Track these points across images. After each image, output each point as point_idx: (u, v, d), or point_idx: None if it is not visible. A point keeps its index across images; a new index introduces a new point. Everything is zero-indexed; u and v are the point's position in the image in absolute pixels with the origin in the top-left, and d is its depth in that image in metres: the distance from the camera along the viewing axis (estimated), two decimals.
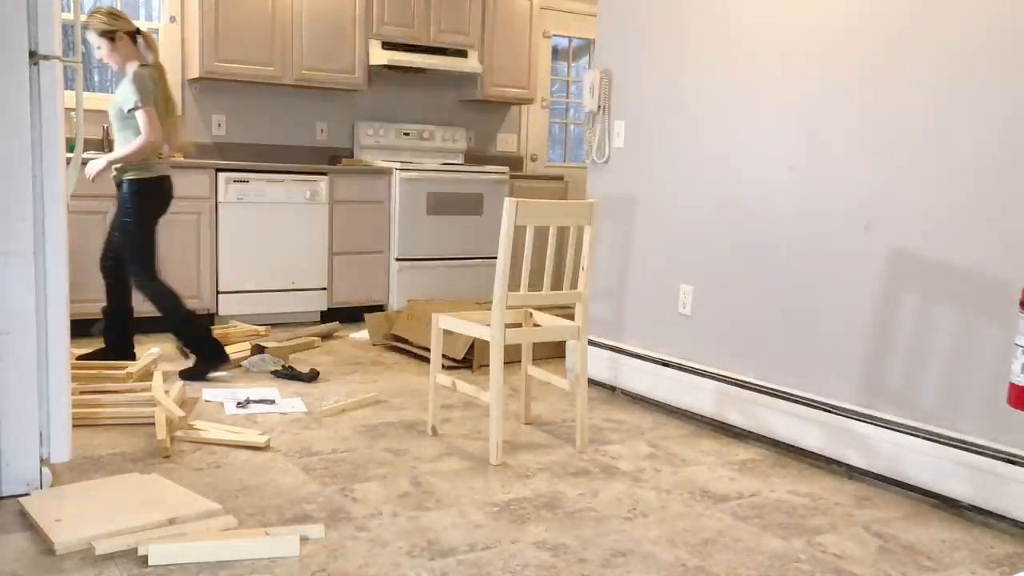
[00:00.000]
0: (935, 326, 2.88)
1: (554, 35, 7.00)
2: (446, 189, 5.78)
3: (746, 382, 3.49)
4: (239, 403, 3.63)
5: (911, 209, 2.95)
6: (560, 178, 6.40)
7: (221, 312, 5.15)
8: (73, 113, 2.78)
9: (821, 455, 3.20)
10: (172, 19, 5.44)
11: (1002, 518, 2.70)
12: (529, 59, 6.43)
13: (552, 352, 4.88)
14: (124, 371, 3.83)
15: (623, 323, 4.14)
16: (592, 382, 4.27)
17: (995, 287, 2.71)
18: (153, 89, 3.87)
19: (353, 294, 5.59)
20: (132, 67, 3.89)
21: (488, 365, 3.13)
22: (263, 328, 5.00)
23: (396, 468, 2.99)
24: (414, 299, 5.43)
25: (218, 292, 5.13)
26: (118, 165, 3.92)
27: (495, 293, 3.04)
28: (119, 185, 3.99)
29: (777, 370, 3.41)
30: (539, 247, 6.12)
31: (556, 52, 7.12)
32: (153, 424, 3.33)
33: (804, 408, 3.25)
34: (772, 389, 3.38)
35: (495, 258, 6.05)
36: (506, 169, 6.01)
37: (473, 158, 6.66)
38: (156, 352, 4.24)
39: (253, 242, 5.21)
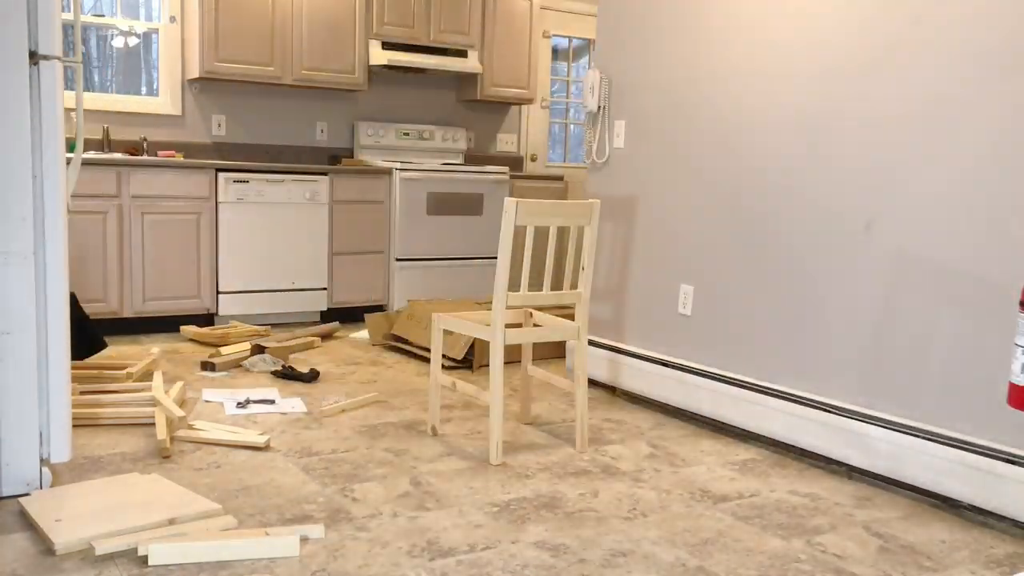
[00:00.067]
0: (935, 326, 2.88)
1: (554, 35, 7.01)
2: (446, 189, 5.78)
3: (746, 382, 3.49)
4: (239, 403, 3.63)
5: (911, 209, 2.95)
6: (560, 178, 6.40)
7: (221, 312, 5.15)
8: (73, 113, 2.78)
9: (821, 455, 3.20)
10: (172, 19, 5.44)
11: (1002, 518, 2.70)
12: (529, 59, 6.43)
13: (552, 352, 4.88)
14: (124, 371, 3.83)
15: (623, 323, 4.14)
16: (592, 382, 4.27)
17: (995, 287, 2.71)
18: None
19: (353, 294, 5.60)
20: None
21: (488, 365, 3.13)
22: (263, 328, 5.01)
23: (396, 468, 2.99)
24: (414, 299, 5.43)
25: (218, 292, 5.13)
26: None
27: (495, 293, 3.04)
28: None
29: (777, 370, 3.41)
30: (539, 247, 6.13)
31: (556, 52, 7.12)
32: (153, 424, 3.33)
33: (804, 408, 3.25)
34: (772, 389, 3.38)
35: (495, 258, 6.07)
36: (506, 169, 6.02)
37: (473, 158, 6.66)
38: (156, 352, 4.24)
39: (253, 242, 5.21)
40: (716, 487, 2.95)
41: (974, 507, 2.75)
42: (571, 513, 2.66)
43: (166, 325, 5.08)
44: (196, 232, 5.03)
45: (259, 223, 5.22)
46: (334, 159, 5.99)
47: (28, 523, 2.40)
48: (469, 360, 4.55)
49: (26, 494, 2.56)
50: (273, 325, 5.39)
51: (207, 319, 5.18)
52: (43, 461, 2.60)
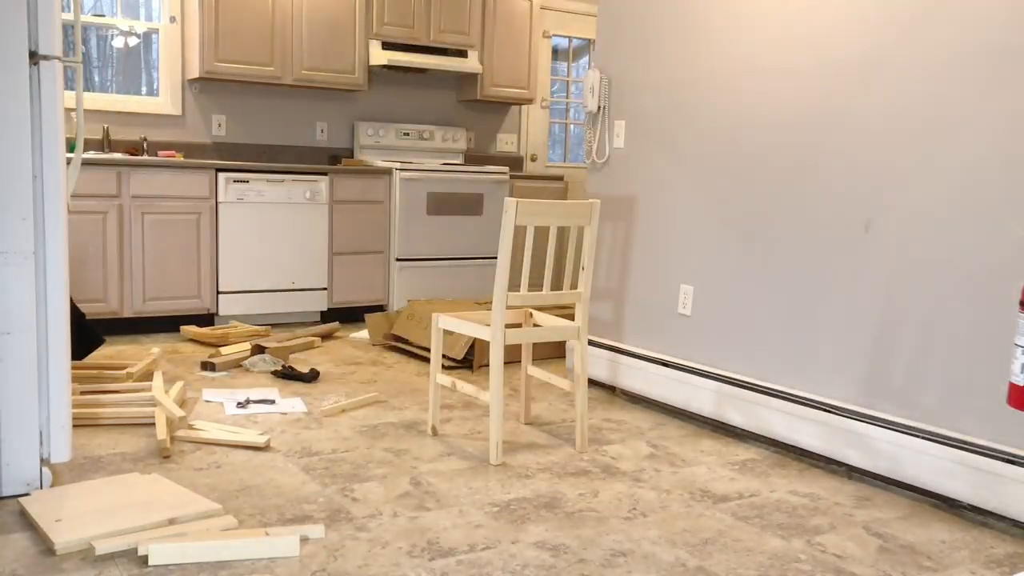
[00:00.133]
0: (935, 326, 2.88)
1: (554, 35, 7.01)
2: (446, 189, 5.78)
3: (746, 382, 3.49)
4: (239, 403, 3.63)
5: (911, 209, 2.95)
6: (560, 178, 6.40)
7: (221, 312, 5.15)
8: (73, 113, 2.78)
9: (821, 455, 3.20)
10: (172, 19, 5.44)
11: (1002, 518, 2.70)
12: (529, 59, 6.43)
13: (552, 352, 4.89)
14: (124, 371, 3.83)
15: (623, 323, 4.14)
16: (592, 382, 4.27)
17: (995, 287, 2.71)
18: None
19: (353, 294, 5.60)
20: None
21: (488, 365, 3.13)
22: (263, 328, 5.01)
23: (396, 468, 2.99)
24: (414, 299, 5.43)
25: (218, 292, 5.13)
26: None
27: (495, 293, 3.04)
28: None
29: (777, 370, 3.41)
30: (539, 247, 6.13)
31: (556, 52, 7.12)
32: (153, 424, 3.33)
33: (804, 408, 3.25)
34: (772, 389, 3.38)
35: (495, 258, 6.07)
36: (506, 169, 6.02)
37: (473, 158, 6.66)
38: (156, 352, 4.24)
39: (253, 242, 5.21)
40: (716, 487, 2.95)
41: (974, 507, 2.75)
42: (571, 513, 2.66)
43: (166, 325, 5.08)
44: (196, 232, 5.03)
45: (259, 223, 5.22)
46: (334, 159, 5.99)
47: (28, 523, 2.40)
48: (469, 360, 4.55)
49: (26, 494, 2.56)
50: (273, 325, 5.39)
51: (207, 319, 5.18)
52: (43, 461, 2.60)
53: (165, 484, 2.64)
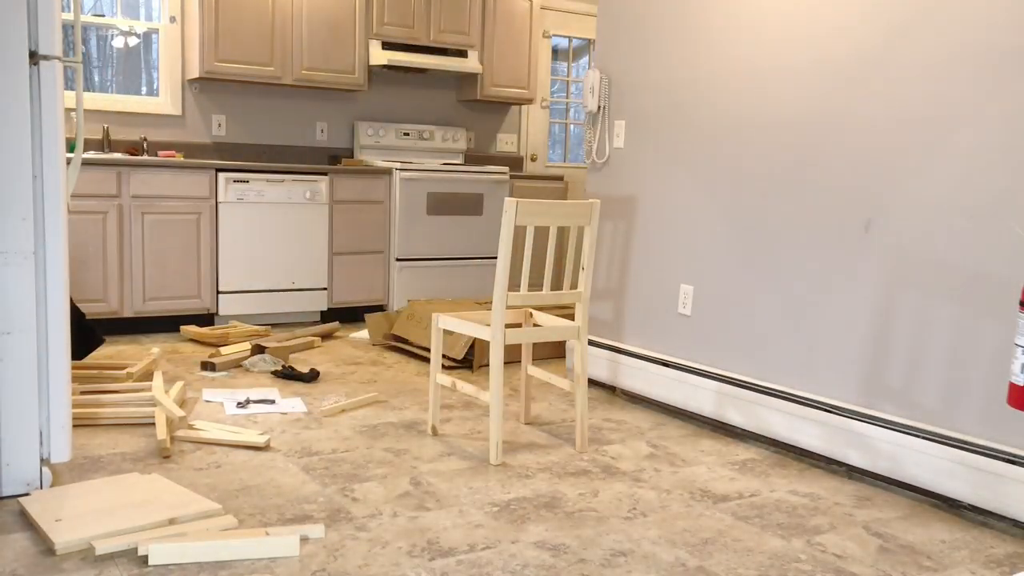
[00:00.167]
0: (935, 326, 2.88)
1: (554, 35, 7.01)
2: (446, 189, 5.78)
3: (746, 382, 3.49)
4: (239, 403, 3.63)
5: (911, 209, 2.95)
6: (560, 178, 6.40)
7: (221, 312, 5.15)
8: (73, 113, 2.78)
9: (821, 455, 3.20)
10: (172, 19, 5.44)
11: (1002, 518, 2.70)
12: (529, 59, 6.43)
13: (552, 352, 4.88)
14: (124, 371, 3.83)
15: (623, 323, 4.14)
16: (592, 382, 4.27)
17: (995, 286, 2.71)
18: None
19: (353, 294, 5.60)
20: None
21: (488, 365, 3.13)
22: (263, 328, 5.01)
23: (396, 468, 2.99)
24: (414, 299, 5.43)
25: (218, 292, 5.13)
26: None
27: (495, 293, 3.04)
28: None
29: (777, 370, 3.41)
30: (539, 247, 6.13)
31: (556, 52, 7.12)
32: (153, 424, 3.33)
33: (804, 408, 3.25)
34: (772, 389, 3.38)
35: (495, 258, 6.07)
36: (506, 169, 6.02)
37: (473, 158, 6.66)
38: (156, 352, 4.24)
39: (253, 242, 5.21)
40: (716, 487, 2.95)
41: (974, 507, 2.75)
42: (571, 513, 2.66)
43: (166, 325, 5.08)
44: (196, 232, 5.03)
45: (259, 223, 5.22)
46: (334, 159, 5.99)
47: (28, 523, 2.40)
48: (469, 360, 4.55)
49: (26, 494, 2.56)
50: (273, 325, 5.39)
51: (207, 319, 5.18)
52: (43, 461, 2.60)
53: (165, 484, 2.64)
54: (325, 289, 5.49)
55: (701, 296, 3.74)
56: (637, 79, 4.05)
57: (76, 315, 3.91)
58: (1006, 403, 2.70)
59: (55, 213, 2.52)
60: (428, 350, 4.61)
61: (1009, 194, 2.68)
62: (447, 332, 4.53)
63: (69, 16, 4.79)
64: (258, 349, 4.42)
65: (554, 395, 4.09)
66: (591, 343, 4.24)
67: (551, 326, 3.30)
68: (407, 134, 6.22)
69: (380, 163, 5.79)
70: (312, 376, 4.10)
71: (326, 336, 5.10)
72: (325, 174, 5.41)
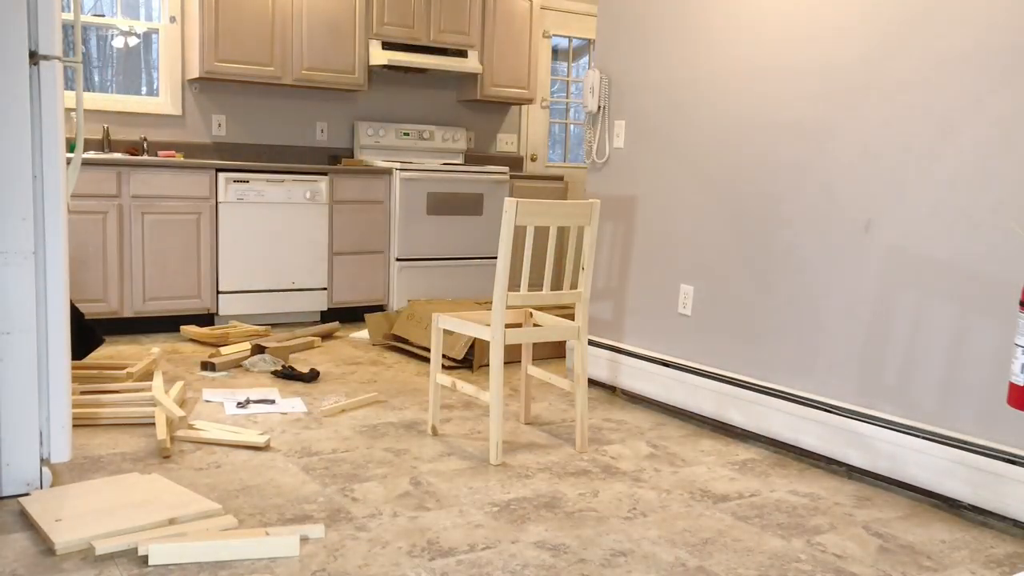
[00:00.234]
0: (935, 326, 2.88)
1: (554, 35, 7.01)
2: (446, 189, 5.78)
3: (746, 382, 3.49)
4: (239, 403, 3.63)
5: (911, 209, 2.95)
6: (560, 178, 6.41)
7: (221, 312, 5.15)
8: (73, 113, 2.78)
9: (821, 455, 3.20)
10: (172, 19, 5.44)
11: (1002, 518, 2.70)
12: (529, 59, 6.43)
13: (552, 352, 4.88)
14: (124, 371, 3.83)
15: (623, 323, 4.14)
16: (592, 382, 4.27)
17: (995, 286, 2.71)
18: None
19: (353, 294, 5.60)
20: None
21: (488, 365, 3.13)
22: (263, 328, 5.01)
23: (396, 468, 2.99)
24: (414, 299, 5.43)
25: (218, 292, 5.13)
26: None
27: (495, 293, 3.04)
28: None
29: (777, 370, 3.41)
30: (539, 247, 6.13)
31: (556, 52, 7.12)
32: (153, 424, 3.33)
33: (804, 408, 3.25)
34: (772, 389, 3.38)
35: (495, 258, 6.07)
36: (506, 169, 6.02)
37: (473, 158, 6.66)
38: (156, 352, 4.24)
39: (253, 242, 5.21)
40: (716, 487, 2.95)
41: (974, 507, 2.75)
42: (571, 513, 2.66)
43: (166, 325, 5.08)
44: (196, 232, 5.03)
45: (259, 223, 5.22)
46: (334, 159, 5.99)
47: (28, 523, 2.40)
48: (469, 360, 4.55)
49: (26, 494, 2.56)
50: (273, 325, 5.39)
51: (207, 319, 5.18)
52: (43, 461, 2.60)
53: (165, 484, 2.64)
54: (325, 289, 5.49)
55: (701, 296, 3.74)
56: (637, 79, 4.05)
57: (75, 315, 3.91)
58: (1006, 403, 2.70)
59: (55, 213, 2.52)
60: (428, 350, 4.61)
61: (1009, 194, 2.68)
62: (447, 332, 4.53)
63: (69, 16, 4.79)
64: (258, 349, 4.42)
65: (554, 395, 4.09)
66: (591, 343, 4.24)
67: (551, 326, 3.30)
68: (407, 134, 6.22)
69: (380, 163, 5.79)
70: (312, 376, 4.10)
71: (326, 336, 5.11)
72: (325, 174, 5.41)
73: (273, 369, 4.21)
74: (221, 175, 5.08)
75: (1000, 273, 2.70)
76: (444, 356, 4.51)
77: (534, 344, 4.60)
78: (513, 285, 5.51)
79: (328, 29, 5.63)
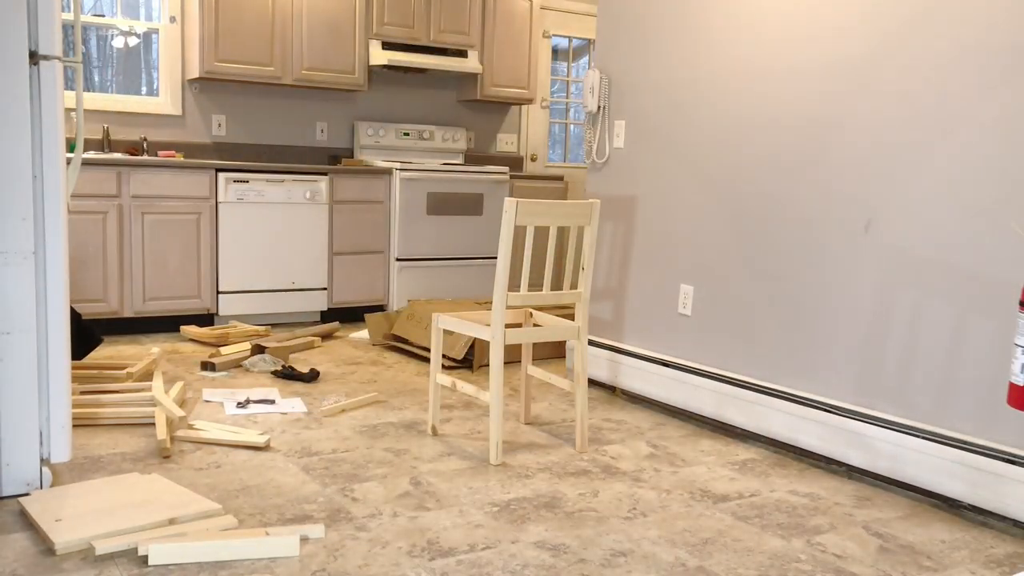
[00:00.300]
0: (935, 326, 2.88)
1: (554, 35, 7.01)
2: (446, 189, 5.78)
3: (746, 382, 3.49)
4: (239, 403, 3.63)
5: (911, 209, 2.95)
6: (560, 178, 6.41)
7: (221, 312, 5.15)
8: (73, 113, 2.78)
9: (821, 455, 3.20)
10: (172, 19, 5.44)
11: (1002, 518, 2.70)
12: (529, 59, 6.43)
13: (552, 352, 4.88)
14: (124, 371, 3.83)
15: (623, 323, 4.14)
16: (592, 382, 4.27)
17: (994, 286, 2.71)
18: None
19: (353, 294, 5.60)
20: None
21: (488, 365, 3.13)
22: (263, 328, 5.01)
23: (396, 468, 2.99)
24: (414, 299, 5.43)
25: (218, 292, 5.13)
26: None
27: (495, 293, 3.04)
28: None
29: (777, 370, 3.41)
30: (539, 247, 6.13)
31: (556, 52, 7.12)
32: (153, 424, 3.33)
33: (804, 408, 3.25)
34: (772, 389, 3.38)
35: (495, 258, 6.07)
36: (506, 169, 6.02)
37: (473, 158, 6.66)
38: (156, 352, 4.24)
39: (253, 242, 5.21)
40: (716, 487, 2.95)
41: (974, 507, 2.75)
42: (571, 513, 2.66)
43: (166, 325, 5.08)
44: (196, 232, 5.03)
45: (259, 223, 5.22)
46: (334, 159, 5.99)
47: (28, 523, 2.40)
48: (469, 360, 4.55)
49: (26, 494, 2.56)
50: (273, 325, 5.39)
51: (207, 319, 5.18)
52: (43, 461, 2.60)
53: (165, 484, 2.64)
54: (325, 289, 5.49)
55: (701, 296, 3.74)
56: (637, 79, 4.05)
57: (73, 316, 3.91)
58: (1005, 403, 2.70)
59: (55, 213, 2.52)
60: (428, 350, 4.61)
61: (1009, 194, 2.68)
62: (447, 332, 4.53)
63: (69, 16, 4.79)
64: (258, 349, 4.42)
65: (554, 395, 4.09)
66: (591, 343, 4.24)
67: (551, 326, 3.30)
68: (407, 134, 6.22)
69: (380, 163, 5.79)
70: (312, 376, 4.10)
71: (326, 336, 5.11)
72: (325, 174, 5.41)
73: (273, 369, 4.21)
74: (221, 175, 5.08)
75: (1000, 273, 2.70)
76: (444, 356, 4.51)
77: (534, 344, 4.60)
78: (513, 285, 5.51)
79: (328, 29, 5.63)
